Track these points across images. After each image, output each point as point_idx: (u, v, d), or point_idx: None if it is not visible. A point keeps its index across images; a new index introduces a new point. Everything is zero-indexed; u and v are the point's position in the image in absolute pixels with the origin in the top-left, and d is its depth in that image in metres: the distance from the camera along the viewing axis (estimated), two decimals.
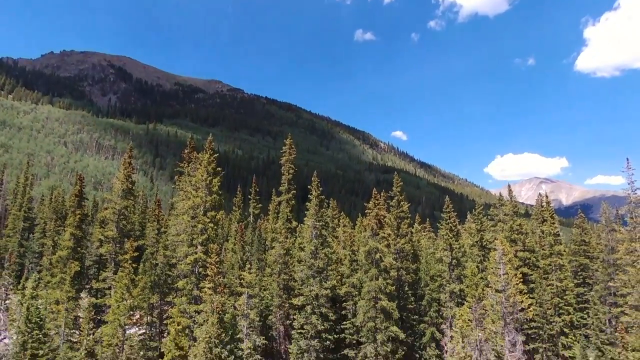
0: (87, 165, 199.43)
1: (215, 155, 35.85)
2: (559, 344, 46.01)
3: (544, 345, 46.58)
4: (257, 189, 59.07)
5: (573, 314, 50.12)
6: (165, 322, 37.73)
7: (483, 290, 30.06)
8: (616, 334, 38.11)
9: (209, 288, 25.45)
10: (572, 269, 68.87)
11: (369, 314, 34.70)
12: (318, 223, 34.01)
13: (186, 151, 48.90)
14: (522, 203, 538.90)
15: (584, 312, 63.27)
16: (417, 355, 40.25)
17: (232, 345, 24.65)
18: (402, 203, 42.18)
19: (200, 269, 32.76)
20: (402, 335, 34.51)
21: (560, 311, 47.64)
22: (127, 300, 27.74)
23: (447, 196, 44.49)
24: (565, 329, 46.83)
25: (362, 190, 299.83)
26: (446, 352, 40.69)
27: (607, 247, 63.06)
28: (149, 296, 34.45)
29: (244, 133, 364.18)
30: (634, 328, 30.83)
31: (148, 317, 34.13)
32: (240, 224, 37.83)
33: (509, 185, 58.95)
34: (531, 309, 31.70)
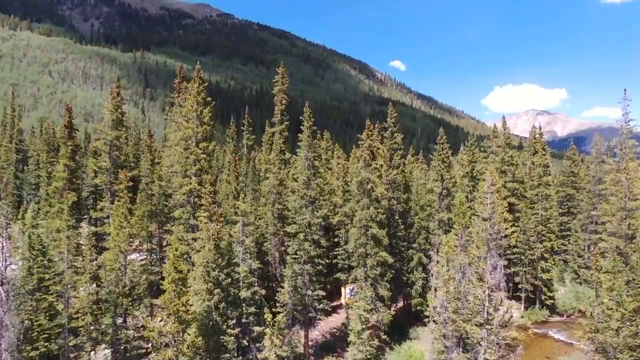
0: (76, 97, 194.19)
1: (205, 84, 34.87)
2: (539, 267, 48.90)
3: (524, 269, 49.57)
4: (251, 121, 58.47)
5: (554, 241, 52.69)
6: (164, 249, 39.37)
7: (470, 218, 31.22)
8: (591, 257, 40.40)
9: (204, 217, 26.21)
10: (558, 199, 71.16)
11: (360, 241, 36.25)
12: (310, 154, 34.20)
13: (176, 81, 47.47)
14: (517, 135, 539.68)
15: (566, 239, 66.57)
16: (405, 278, 42.82)
17: (229, 269, 26.00)
18: (395, 135, 42.15)
19: (196, 199, 33.47)
20: (390, 260, 36.41)
21: (543, 238, 50.01)
22: (125, 228, 28.62)
23: (441, 128, 44.38)
24: (545, 254, 49.51)
25: (357, 122, 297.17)
26: (432, 275, 43.31)
27: (594, 178, 64.62)
28: (147, 225, 35.56)
29: (236, 62, 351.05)
30: (608, 252, 32.70)
31: (148, 244, 35.52)
32: (234, 155, 37.94)
33: (504, 117, 58.64)
34: (514, 235, 33.23)
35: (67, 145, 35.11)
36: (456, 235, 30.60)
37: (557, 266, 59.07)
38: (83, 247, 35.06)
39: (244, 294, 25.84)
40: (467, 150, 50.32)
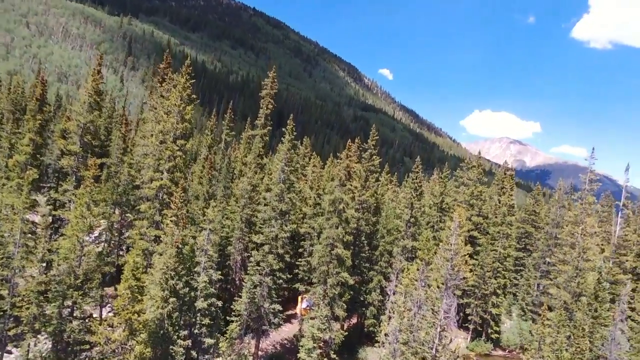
0: (52, 54, 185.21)
1: (192, 81, 34.01)
2: (490, 302, 50.76)
3: (476, 302, 51.32)
4: (233, 116, 57.57)
5: (508, 278, 54.79)
6: (124, 238, 38.29)
7: (433, 255, 31.96)
8: (540, 308, 42.27)
9: (170, 220, 25.65)
10: (517, 235, 74.06)
11: (324, 259, 36.40)
12: (287, 168, 34.04)
13: (161, 66, 46.17)
14: (489, 160, 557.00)
15: (518, 273, 69.41)
16: (362, 298, 43.41)
17: (189, 278, 25.56)
18: (374, 157, 42.58)
19: (165, 196, 32.73)
20: (351, 282, 36.79)
21: (498, 274, 51.93)
22: (87, 218, 27.59)
23: (418, 157, 45.15)
24: (497, 290, 51.44)
25: (338, 124, 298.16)
26: (388, 298, 44.14)
27: (553, 221, 67.61)
28: (109, 213, 34.41)
29: (225, 44, 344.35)
30: (556, 304, 34.34)
31: (107, 234, 34.40)
32: (210, 155, 37.24)
33: (479, 153, 60.40)
34: (472, 277, 34.31)
35: (35, 119, 33.45)
36: (418, 269, 31.28)
37: (506, 299, 61.52)
38: (38, 228, 33.63)
39: (201, 304, 25.48)
40: (440, 180, 51.45)
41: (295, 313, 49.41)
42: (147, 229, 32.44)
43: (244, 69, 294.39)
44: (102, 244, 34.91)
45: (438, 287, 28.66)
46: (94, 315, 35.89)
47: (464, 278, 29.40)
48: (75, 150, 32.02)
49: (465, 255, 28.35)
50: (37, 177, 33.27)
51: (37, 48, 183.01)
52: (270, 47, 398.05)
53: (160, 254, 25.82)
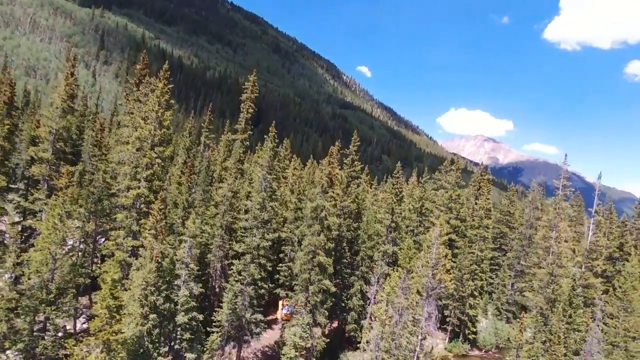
0: (19, 46, 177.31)
1: (170, 86, 33.09)
2: (467, 304, 51.82)
3: (454, 304, 52.31)
4: (212, 118, 56.52)
5: (484, 280, 56.08)
6: (99, 249, 37.06)
7: (415, 262, 32.30)
8: (514, 308, 43.43)
9: (149, 234, 24.93)
10: (492, 235, 75.89)
11: (306, 266, 36.26)
12: (269, 176, 33.64)
13: (138, 67, 44.85)
14: (464, 158, 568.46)
15: (493, 272, 71.18)
16: (343, 304, 43.53)
17: (169, 292, 24.95)
18: (355, 162, 42.62)
19: (142, 205, 31.81)
20: (333, 289, 36.79)
21: (475, 277, 53.05)
22: (60, 231, 26.53)
23: (399, 162, 45.47)
24: (475, 292, 52.57)
25: (317, 122, 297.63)
26: (369, 303, 44.43)
27: (527, 222, 69.63)
28: (84, 222, 33.21)
29: (202, 39, 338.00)
30: (532, 308, 35.38)
31: (81, 243, 33.19)
32: (189, 160, 36.43)
33: (456, 153, 61.40)
34: (452, 284, 34.88)
35: (4, 124, 31.85)
36: (400, 277, 31.56)
37: (482, 298, 63.01)
38: (7, 236, 32.22)
39: (181, 319, 24.93)
40: (420, 185, 52.03)
41: (276, 318, 49.14)
42: (123, 239, 31.47)
43: (221, 65, 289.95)
44: (76, 253, 33.66)
45: (420, 294, 29.03)
46: (68, 327, 34.78)
47: (445, 286, 29.83)
48: (47, 158, 30.67)
49: (445, 264, 28.76)
50: (5, 184, 31.79)
51: (3, 40, 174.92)
52: (248, 42, 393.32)
53: (139, 269, 25.08)
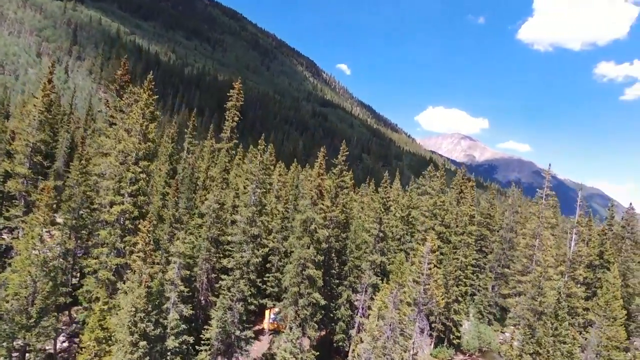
0: None
1: (155, 97, 31.92)
2: (452, 309, 52.48)
3: (439, 310, 52.90)
4: (195, 124, 55.08)
5: (468, 286, 56.92)
6: (81, 267, 35.60)
7: (407, 276, 32.31)
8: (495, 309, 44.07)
9: (137, 257, 23.96)
10: (474, 238, 77.34)
11: (295, 280, 35.83)
12: (259, 190, 32.98)
13: (118, 73, 43.35)
14: (441, 155, 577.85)
15: (474, 274, 72.51)
16: (332, 315, 43.31)
17: (158, 316, 24.10)
18: (344, 172, 42.34)
19: (127, 221, 30.67)
20: (322, 302, 36.49)
21: (459, 282, 53.74)
22: (40, 252, 25.25)
23: (387, 171, 45.45)
24: (459, 298, 53.26)
25: (297, 120, 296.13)
26: (357, 312, 44.37)
27: (507, 225, 71.16)
28: (64, 240, 31.77)
29: (180, 34, 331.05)
30: (519, 321, 36.05)
31: (61, 262, 31.73)
32: (177, 178, 35.33)
33: (432, 153, 61.99)
34: (443, 300, 35.12)
35: None
36: (391, 292, 31.51)
37: (466, 303, 64.07)
38: None
39: (171, 343, 24.12)
40: (407, 193, 52.24)
41: (263, 328, 48.59)
42: (107, 256, 30.29)
43: (199, 62, 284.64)
44: (57, 271, 32.15)
45: (411, 309, 29.06)
46: (48, 348, 33.28)
47: (436, 302, 29.94)
48: (23, 173, 29.12)
49: (437, 280, 28.86)
50: None
51: None
52: (227, 39, 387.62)
53: (126, 292, 24.10)
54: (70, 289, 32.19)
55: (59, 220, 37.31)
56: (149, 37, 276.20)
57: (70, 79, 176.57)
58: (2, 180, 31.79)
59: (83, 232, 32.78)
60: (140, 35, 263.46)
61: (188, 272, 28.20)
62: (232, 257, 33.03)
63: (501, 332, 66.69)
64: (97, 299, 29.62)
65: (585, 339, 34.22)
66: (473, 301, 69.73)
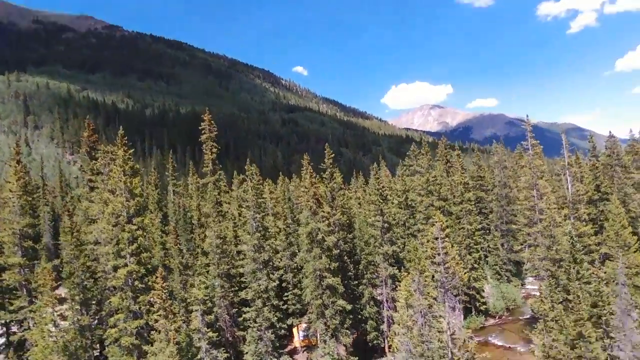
0: None
1: (131, 151, 31.24)
2: (471, 278, 52.94)
3: (462, 283, 53.31)
4: (175, 165, 54.36)
5: (480, 251, 57.55)
6: (99, 339, 34.66)
7: (424, 261, 32.37)
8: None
9: (159, 316, 23.36)
10: (473, 204, 78.27)
11: (316, 292, 35.58)
12: (258, 215, 32.61)
13: (85, 135, 42.45)
14: (416, 130, 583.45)
15: (481, 237, 73.43)
16: (360, 316, 43.15)
17: None
18: (334, 175, 42.24)
19: (136, 282, 29.92)
20: (348, 307, 36.33)
21: (471, 250, 54.29)
22: (59, 339, 24.42)
23: (376, 163, 45.46)
24: (475, 265, 53.79)
25: (268, 132, 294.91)
26: (383, 307, 44.32)
27: (500, 182, 72.32)
28: (76, 317, 30.81)
29: (132, 78, 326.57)
30: (541, 272, 36.53)
31: (80, 341, 30.78)
32: (174, 227, 34.66)
33: (406, 130, 62.50)
34: (465, 274, 35.33)
35: None
36: (413, 280, 31.53)
37: (483, 268, 64.76)
38: None
39: None
40: (399, 178, 52.48)
41: (295, 347, 48.10)
42: (124, 322, 29.48)
43: (158, 100, 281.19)
44: (78, 352, 31.17)
45: (437, 291, 29.12)
46: None
47: (460, 277, 30.10)
48: (18, 262, 28.13)
49: (455, 256, 29.01)
50: None
51: None
52: (179, 70, 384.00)
53: (156, 354, 23.48)
54: None
55: (63, 295, 36.27)
56: (102, 88, 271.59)
57: (33, 150, 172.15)
58: None
59: (92, 303, 31.80)
60: (92, 89, 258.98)
61: (212, 317, 27.65)
62: (250, 288, 32.57)
63: (521, 285, 67.73)
64: None
65: (605, 273, 34.88)
66: (487, 263, 70.59)
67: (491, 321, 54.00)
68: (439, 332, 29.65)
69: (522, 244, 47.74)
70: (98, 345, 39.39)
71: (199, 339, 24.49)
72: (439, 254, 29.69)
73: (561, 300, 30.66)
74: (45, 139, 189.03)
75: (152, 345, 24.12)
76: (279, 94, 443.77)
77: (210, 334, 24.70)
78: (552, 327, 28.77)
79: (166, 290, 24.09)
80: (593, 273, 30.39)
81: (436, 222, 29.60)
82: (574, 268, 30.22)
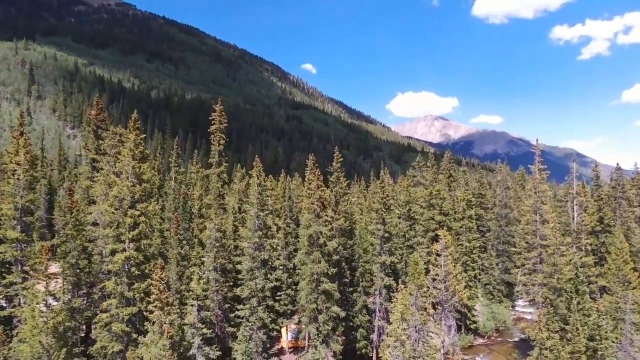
0: None
1: (142, 136, 30.74)
2: (464, 296, 52.75)
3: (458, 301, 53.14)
4: (179, 152, 53.81)
5: (476, 270, 57.36)
6: (86, 321, 34.23)
7: (425, 276, 32.09)
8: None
9: (155, 307, 22.93)
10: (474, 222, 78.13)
11: (312, 296, 35.21)
12: (262, 213, 32.18)
13: (92, 112, 41.94)
14: (418, 140, 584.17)
15: (476, 255, 73.31)
16: (351, 323, 42.83)
17: None
18: (341, 179, 41.89)
19: (133, 268, 29.46)
20: (342, 314, 35.99)
21: (467, 267, 54.09)
22: (49, 319, 23.92)
23: (382, 171, 45.14)
24: (469, 283, 53.60)
25: (272, 126, 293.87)
26: (374, 316, 44.02)
27: (501, 202, 72.19)
28: (68, 299, 30.30)
29: (140, 58, 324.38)
30: (538, 298, 36.36)
31: (72, 322, 30.27)
32: (176, 216, 34.19)
33: (409, 139, 62.27)
34: (465, 294, 35.08)
35: None
36: (411, 294, 31.25)
37: (477, 287, 64.58)
38: None
39: None
40: (404, 189, 52.18)
41: (282, 347, 47.70)
42: (116, 308, 29.00)
43: (164, 83, 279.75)
44: (68, 334, 30.63)
45: (435, 309, 28.84)
46: None
47: (459, 297, 29.82)
48: (16, 237, 27.59)
49: (456, 275, 28.72)
50: None
51: None
52: (188, 56, 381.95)
53: (147, 345, 23.05)
54: (83, 348, 30.73)
55: (54, 271, 35.69)
56: (109, 65, 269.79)
57: (34, 120, 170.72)
58: None
59: (84, 284, 31.27)
60: (99, 65, 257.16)
61: (208, 313, 27.23)
62: (245, 285, 32.16)
63: (512, 307, 67.61)
64: (114, 353, 28.47)
65: (604, 307, 34.70)
66: (479, 282, 70.48)
67: (480, 340, 53.86)
68: (434, 351, 29.38)
69: (518, 267, 47.48)
70: (84, 327, 38.86)
71: (192, 334, 24.06)
72: (441, 271, 29.41)
73: (558, 329, 30.47)
74: (47, 110, 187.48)
75: (144, 336, 23.67)
76: (286, 89, 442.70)
77: (205, 330, 24.25)
78: (546, 356, 28.56)
79: (164, 282, 23.64)
80: (594, 307, 30.20)
81: (440, 238, 29.31)
82: (575, 299, 29.96)
